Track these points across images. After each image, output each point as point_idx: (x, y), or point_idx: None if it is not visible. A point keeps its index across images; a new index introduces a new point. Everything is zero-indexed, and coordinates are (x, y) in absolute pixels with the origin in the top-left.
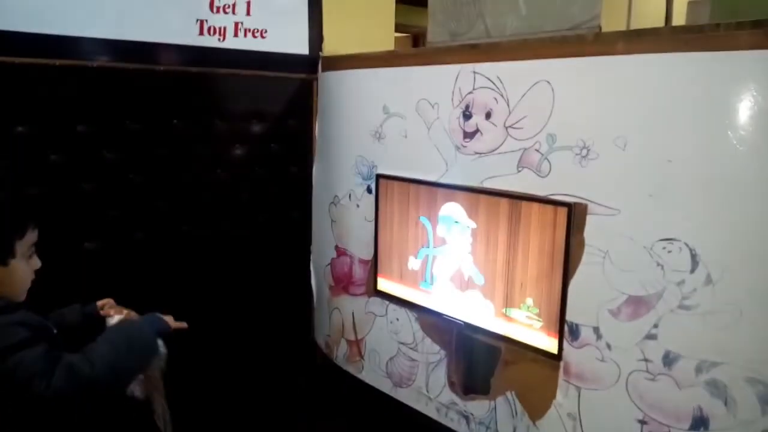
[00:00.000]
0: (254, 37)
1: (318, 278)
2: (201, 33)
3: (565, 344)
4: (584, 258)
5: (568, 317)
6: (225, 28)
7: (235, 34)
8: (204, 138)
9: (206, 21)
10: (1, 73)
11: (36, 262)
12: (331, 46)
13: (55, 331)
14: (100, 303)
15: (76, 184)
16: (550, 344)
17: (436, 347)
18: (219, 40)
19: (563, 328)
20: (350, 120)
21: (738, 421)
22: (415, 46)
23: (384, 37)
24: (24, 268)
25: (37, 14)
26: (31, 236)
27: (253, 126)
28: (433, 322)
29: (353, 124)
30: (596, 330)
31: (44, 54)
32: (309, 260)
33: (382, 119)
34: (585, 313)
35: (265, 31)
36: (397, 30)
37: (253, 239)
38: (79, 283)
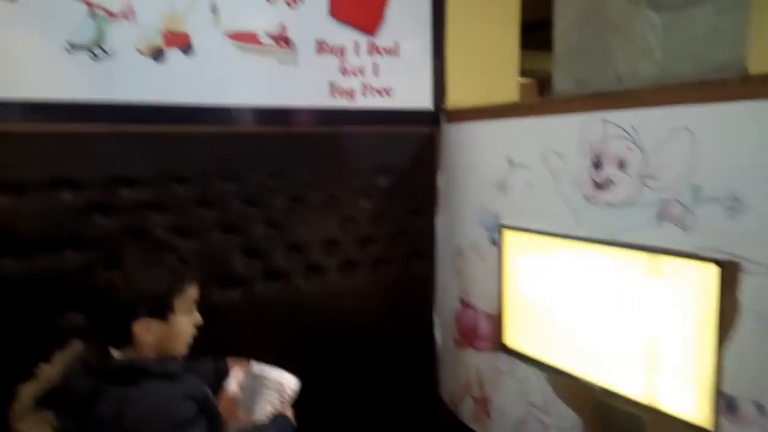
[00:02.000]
0: (380, 95)
1: (443, 331)
2: (332, 95)
3: (722, 419)
4: (740, 322)
5: (724, 389)
6: (353, 90)
7: (363, 94)
8: (333, 194)
9: (337, 84)
10: (163, 140)
11: (196, 317)
12: (454, 98)
13: (214, 400)
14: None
15: (222, 238)
16: (702, 418)
17: (570, 412)
18: (348, 100)
19: (718, 400)
20: (473, 171)
21: None
22: (540, 92)
23: (509, 86)
24: (184, 323)
25: (192, 88)
26: (191, 292)
27: (378, 180)
28: (567, 385)
29: (477, 175)
30: (759, 406)
31: (196, 122)
32: (432, 312)
33: (507, 170)
34: (744, 385)
35: (391, 90)
36: (522, 75)
37: (378, 291)
38: (210, 333)
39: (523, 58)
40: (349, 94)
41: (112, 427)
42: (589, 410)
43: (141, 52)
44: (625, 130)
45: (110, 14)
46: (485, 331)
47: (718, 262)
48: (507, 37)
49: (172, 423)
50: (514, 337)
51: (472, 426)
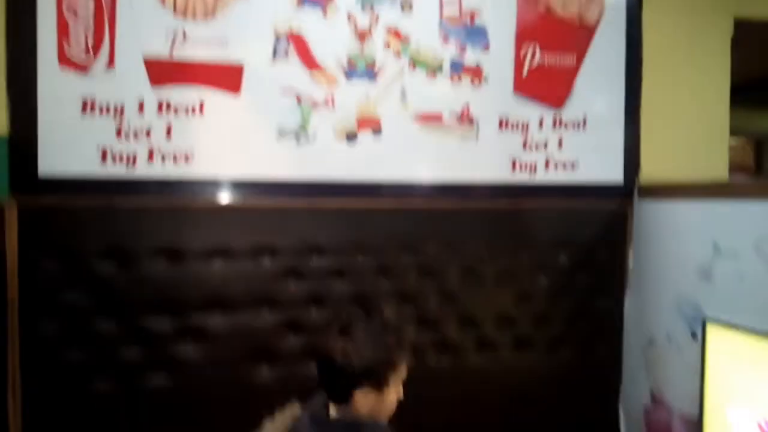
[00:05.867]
0: (564, 169)
1: (629, 426)
2: (513, 170)
3: None
4: None
5: None
6: (536, 164)
7: (546, 168)
8: (509, 269)
9: (518, 159)
10: (350, 214)
11: (401, 392)
12: (650, 170)
13: None
14: None
15: (396, 309)
16: None
17: None
18: (529, 175)
19: None
20: (671, 254)
21: None
22: (756, 154)
23: (717, 156)
24: (392, 395)
25: (379, 167)
26: (402, 370)
27: (559, 257)
28: None
29: (675, 259)
30: None
31: (380, 197)
32: (618, 404)
33: (710, 257)
34: None
35: (576, 163)
36: (733, 133)
37: (553, 373)
38: None
39: (734, 117)
40: (531, 168)
41: None
42: None
43: (337, 136)
44: None
45: (314, 104)
46: None
47: None
48: (715, 101)
49: None
50: None
51: None
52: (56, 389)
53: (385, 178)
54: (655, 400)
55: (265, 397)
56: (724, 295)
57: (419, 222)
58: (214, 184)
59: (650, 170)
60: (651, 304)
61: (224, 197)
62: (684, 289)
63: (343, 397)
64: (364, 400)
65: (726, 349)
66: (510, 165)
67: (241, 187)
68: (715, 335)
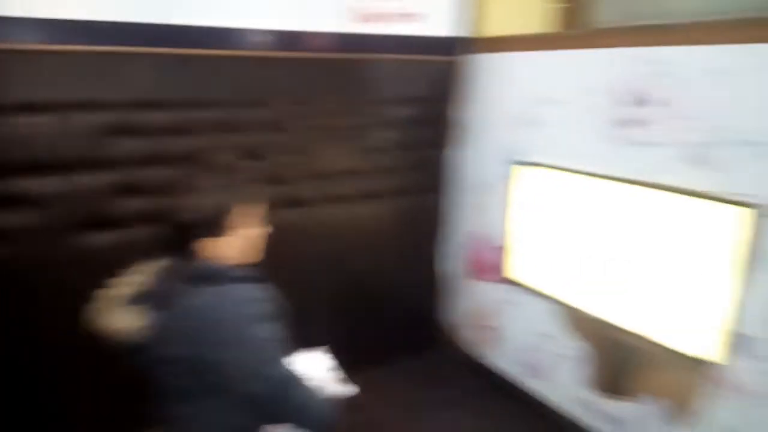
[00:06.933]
0: (403, 21)
1: (451, 261)
2: (352, 19)
3: (730, 355)
4: (763, 265)
5: (737, 327)
6: (375, 15)
7: (384, 20)
8: (345, 124)
9: (356, 8)
10: (188, 63)
11: (262, 229)
12: (483, 26)
13: (281, 303)
14: None
15: (246, 166)
16: (710, 353)
17: (576, 342)
18: (369, 26)
19: (730, 338)
20: (497, 104)
21: None
22: (570, 21)
23: (542, 15)
24: (247, 237)
25: (198, 8)
26: (249, 210)
27: (394, 110)
28: (574, 317)
29: (500, 108)
30: None
31: (203, 45)
32: (438, 242)
33: (533, 105)
34: (757, 325)
35: (414, 15)
36: None
37: (387, 220)
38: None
39: None
40: (370, 18)
41: (195, 318)
42: (601, 343)
43: None
44: (661, 67)
45: None
46: (494, 263)
47: (746, 205)
48: None
49: (246, 318)
50: (525, 270)
51: (475, 352)
52: None
53: (221, 24)
54: (475, 236)
55: (107, 262)
56: (543, 139)
57: (261, 73)
58: (25, 22)
59: (487, 24)
60: (477, 152)
61: (40, 38)
62: (506, 137)
63: (196, 250)
64: (217, 249)
65: (540, 187)
66: (350, 14)
67: (59, 26)
68: (530, 175)
